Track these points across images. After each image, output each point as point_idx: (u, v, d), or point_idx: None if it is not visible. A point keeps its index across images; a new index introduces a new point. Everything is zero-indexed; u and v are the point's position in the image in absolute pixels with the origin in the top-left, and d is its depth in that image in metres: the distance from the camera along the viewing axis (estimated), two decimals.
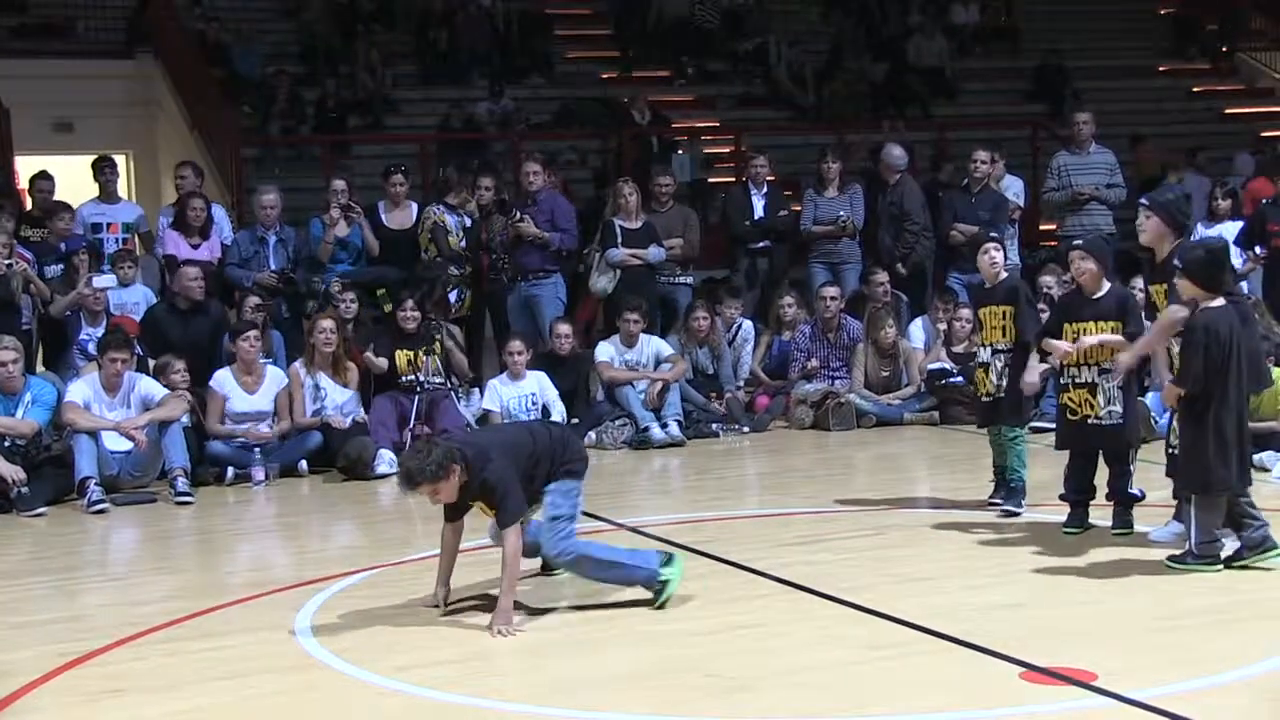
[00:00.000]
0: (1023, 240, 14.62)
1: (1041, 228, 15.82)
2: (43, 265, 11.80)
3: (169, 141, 17.82)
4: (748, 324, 13.00)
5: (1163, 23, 22.97)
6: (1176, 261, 6.99)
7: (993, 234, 9.20)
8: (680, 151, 17.05)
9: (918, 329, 12.93)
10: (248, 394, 10.65)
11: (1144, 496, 7.99)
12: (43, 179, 12.87)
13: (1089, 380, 7.74)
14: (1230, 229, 12.78)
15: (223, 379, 10.65)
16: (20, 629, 6.71)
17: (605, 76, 19.27)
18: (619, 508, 8.97)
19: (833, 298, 12.71)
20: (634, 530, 8.28)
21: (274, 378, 10.80)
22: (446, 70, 18.70)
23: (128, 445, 9.87)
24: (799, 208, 14.06)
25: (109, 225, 12.70)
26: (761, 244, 13.76)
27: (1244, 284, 11.96)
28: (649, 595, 6.55)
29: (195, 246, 12.17)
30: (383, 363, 11.11)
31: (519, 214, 12.48)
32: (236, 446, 10.50)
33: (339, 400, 10.84)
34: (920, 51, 19.93)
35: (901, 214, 13.57)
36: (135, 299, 11.85)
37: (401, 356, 11.16)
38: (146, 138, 18.42)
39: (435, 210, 12.49)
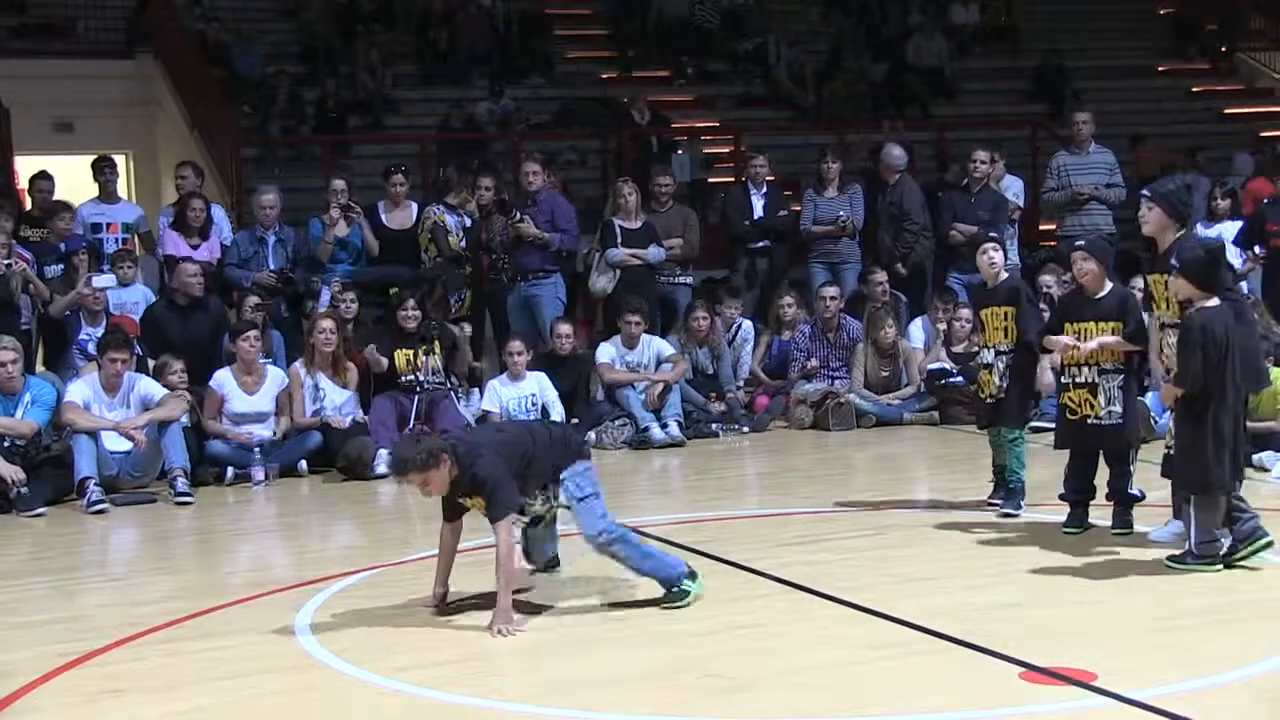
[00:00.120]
0: (1022, 240, 14.62)
1: (1041, 228, 15.80)
2: (42, 265, 11.79)
3: (169, 141, 17.79)
4: (747, 324, 12.99)
5: (1162, 23, 22.94)
6: (1174, 261, 7.00)
7: (992, 234, 9.20)
8: (680, 151, 17.02)
9: (917, 329, 12.93)
10: (248, 394, 10.65)
11: (1144, 496, 7.99)
12: (42, 179, 12.86)
13: (1089, 380, 7.75)
14: (1230, 229, 12.78)
15: (223, 379, 10.66)
16: (20, 629, 6.71)
17: (605, 76, 19.24)
18: (619, 508, 8.81)
19: (832, 298, 12.71)
20: (634, 531, 8.25)
21: (274, 378, 10.80)
22: (446, 70, 18.68)
23: (127, 445, 9.87)
24: (799, 208, 14.05)
25: (109, 225, 12.70)
26: (761, 244, 13.75)
27: (1243, 284, 11.97)
28: (649, 595, 6.55)
29: (195, 247, 12.16)
30: (384, 361, 11.12)
31: (519, 214, 12.48)
32: (236, 446, 10.50)
33: (338, 400, 10.84)
34: (920, 51, 19.90)
35: (901, 214, 13.57)
36: (135, 299, 11.85)
37: (401, 356, 11.15)
38: (146, 138, 18.40)
39: (435, 210, 12.50)
